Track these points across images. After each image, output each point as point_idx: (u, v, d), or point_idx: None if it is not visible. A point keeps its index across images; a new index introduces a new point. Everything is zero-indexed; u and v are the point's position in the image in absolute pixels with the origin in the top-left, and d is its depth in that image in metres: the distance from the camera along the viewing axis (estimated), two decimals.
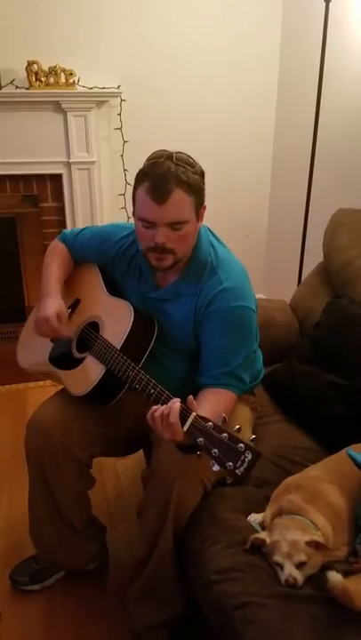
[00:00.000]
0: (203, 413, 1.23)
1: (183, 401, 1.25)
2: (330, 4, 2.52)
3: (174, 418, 1.22)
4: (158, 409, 1.25)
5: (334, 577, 1.14)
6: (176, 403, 1.24)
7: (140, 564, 1.51)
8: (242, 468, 1.15)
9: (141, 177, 1.38)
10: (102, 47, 2.96)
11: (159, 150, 1.41)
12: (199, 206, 1.42)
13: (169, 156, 1.37)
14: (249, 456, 1.15)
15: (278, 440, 1.69)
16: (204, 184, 1.43)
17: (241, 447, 1.16)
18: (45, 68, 2.80)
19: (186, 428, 1.22)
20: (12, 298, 3.26)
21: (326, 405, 1.72)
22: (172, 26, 3.03)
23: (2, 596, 1.78)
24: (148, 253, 1.44)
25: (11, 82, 2.83)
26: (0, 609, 1.74)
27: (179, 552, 1.45)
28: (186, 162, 1.38)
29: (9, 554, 1.92)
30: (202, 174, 1.42)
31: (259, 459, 1.17)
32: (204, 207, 1.45)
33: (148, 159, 1.40)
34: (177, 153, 1.39)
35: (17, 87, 2.84)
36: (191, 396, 1.26)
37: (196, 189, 1.38)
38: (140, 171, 1.40)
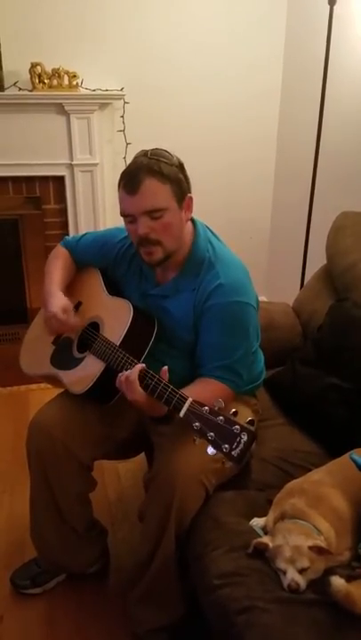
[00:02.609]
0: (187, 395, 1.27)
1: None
2: (334, 6, 2.52)
3: (133, 373, 1.32)
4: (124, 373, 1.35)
5: (337, 582, 1.13)
6: (140, 364, 1.35)
7: (142, 567, 1.51)
8: (238, 450, 1.16)
9: (120, 178, 1.44)
10: (105, 49, 2.96)
11: (139, 151, 1.45)
12: (180, 196, 1.43)
13: (144, 153, 1.42)
14: (245, 437, 1.16)
15: (280, 443, 1.69)
16: (184, 175, 1.44)
17: (237, 429, 1.17)
18: (49, 69, 2.80)
19: (182, 413, 1.24)
20: (14, 299, 3.25)
21: (329, 408, 1.71)
22: (175, 28, 3.03)
23: (3, 599, 1.78)
24: (139, 249, 1.47)
25: (14, 84, 2.83)
26: (1, 612, 1.74)
27: (180, 556, 1.45)
28: (160, 155, 1.41)
29: (10, 555, 1.92)
30: (180, 166, 1.44)
31: (255, 439, 1.19)
32: (191, 198, 1.46)
33: None
34: (153, 149, 1.43)
35: (20, 89, 2.84)
36: (166, 367, 1.33)
37: (171, 178, 1.39)
38: (120, 173, 1.45)
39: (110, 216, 3.14)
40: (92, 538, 1.78)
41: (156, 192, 1.38)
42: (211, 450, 1.17)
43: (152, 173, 1.37)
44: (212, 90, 3.20)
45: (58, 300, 1.62)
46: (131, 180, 1.39)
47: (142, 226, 1.41)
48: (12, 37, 2.78)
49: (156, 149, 1.43)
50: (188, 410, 1.23)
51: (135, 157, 1.44)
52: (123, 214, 1.45)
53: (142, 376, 1.33)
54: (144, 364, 1.35)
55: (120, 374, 1.36)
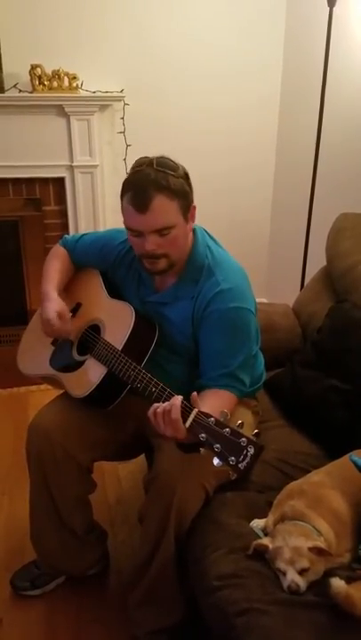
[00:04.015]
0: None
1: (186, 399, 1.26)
2: (333, 8, 2.52)
3: (176, 414, 1.21)
4: (160, 406, 1.25)
5: (337, 583, 1.13)
6: (177, 399, 1.24)
7: (142, 569, 1.50)
8: (244, 463, 1.15)
9: (124, 187, 1.39)
10: (106, 51, 2.97)
11: (141, 158, 1.41)
12: (186, 208, 1.41)
13: (150, 162, 1.37)
14: (251, 450, 1.15)
15: (281, 445, 1.68)
16: (189, 186, 1.41)
17: (243, 441, 1.16)
18: (49, 71, 2.81)
19: (188, 424, 1.22)
20: (14, 301, 3.25)
21: (329, 410, 1.71)
22: (175, 30, 3.04)
23: (2, 601, 1.78)
24: (142, 259, 1.45)
25: (14, 85, 2.84)
26: (0, 614, 1.74)
27: (180, 558, 1.44)
28: (167, 166, 1.37)
29: (10, 558, 1.92)
30: (185, 176, 1.41)
31: (262, 452, 1.17)
32: (194, 207, 1.45)
33: (132, 168, 1.41)
34: (158, 158, 1.38)
35: (20, 91, 2.84)
36: (195, 393, 1.26)
37: (179, 193, 1.37)
38: (124, 181, 1.41)
39: (110, 218, 3.14)
40: (92, 540, 1.78)
41: (166, 210, 1.36)
42: (216, 461, 1.16)
43: (161, 190, 1.34)
44: (212, 92, 3.21)
45: (54, 305, 1.60)
46: (139, 195, 1.34)
47: (150, 243, 1.38)
48: (12, 39, 2.79)
49: (161, 159, 1.38)
50: (193, 420, 1.22)
51: (139, 166, 1.38)
52: (129, 228, 1.42)
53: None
54: (182, 397, 1.26)
55: (156, 408, 1.26)
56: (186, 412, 1.23)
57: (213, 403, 1.35)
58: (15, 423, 2.68)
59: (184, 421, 1.22)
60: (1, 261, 3.22)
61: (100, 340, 1.54)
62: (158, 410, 1.25)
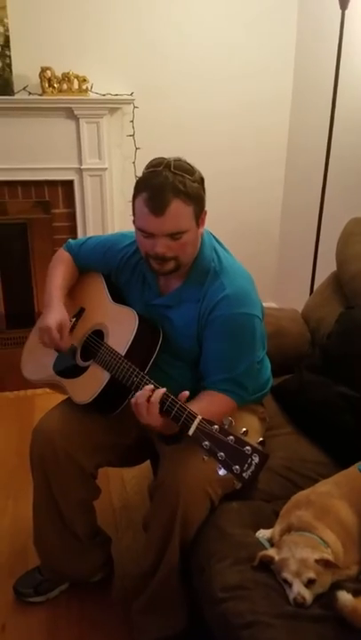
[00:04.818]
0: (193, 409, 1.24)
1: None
2: (346, 10, 2.50)
3: (155, 398, 1.27)
4: (143, 394, 1.30)
5: (344, 596, 1.11)
6: (161, 389, 1.29)
7: (146, 576, 1.49)
8: (249, 472, 1.13)
9: (139, 187, 1.37)
10: (115, 54, 2.96)
11: (157, 158, 1.39)
12: (199, 213, 1.40)
13: (167, 164, 1.35)
14: (256, 459, 1.14)
15: (288, 453, 1.66)
16: (204, 190, 1.41)
17: (248, 450, 1.14)
18: (59, 74, 2.80)
19: (191, 431, 1.21)
20: (21, 303, 3.26)
21: (337, 417, 1.69)
22: (185, 33, 3.03)
23: (5, 607, 1.76)
24: (150, 259, 1.44)
25: (24, 88, 2.84)
26: (4, 620, 1.73)
27: (185, 566, 1.43)
28: (184, 170, 1.35)
29: (13, 562, 1.91)
30: (201, 181, 1.40)
31: (267, 461, 1.16)
32: (205, 212, 1.43)
33: (146, 167, 1.39)
34: (175, 161, 1.37)
35: (30, 93, 2.84)
36: (186, 392, 1.29)
37: (195, 198, 1.36)
38: (138, 180, 1.39)
39: (118, 221, 3.13)
40: (96, 546, 1.77)
41: (181, 215, 1.35)
42: (222, 471, 1.15)
43: (178, 194, 1.32)
44: (222, 93, 3.19)
45: (57, 314, 1.58)
46: (156, 198, 1.32)
47: (161, 245, 1.37)
48: (23, 42, 2.78)
49: (178, 161, 1.37)
50: (197, 428, 1.21)
51: (155, 167, 1.36)
52: (140, 229, 1.40)
53: (162, 400, 1.29)
54: (165, 389, 1.29)
55: (137, 396, 1.31)
56: (189, 418, 1.23)
57: (208, 405, 1.35)
58: (21, 426, 2.67)
59: (187, 428, 1.21)
60: (9, 263, 3.23)
61: (104, 346, 1.52)
62: (140, 400, 1.29)
